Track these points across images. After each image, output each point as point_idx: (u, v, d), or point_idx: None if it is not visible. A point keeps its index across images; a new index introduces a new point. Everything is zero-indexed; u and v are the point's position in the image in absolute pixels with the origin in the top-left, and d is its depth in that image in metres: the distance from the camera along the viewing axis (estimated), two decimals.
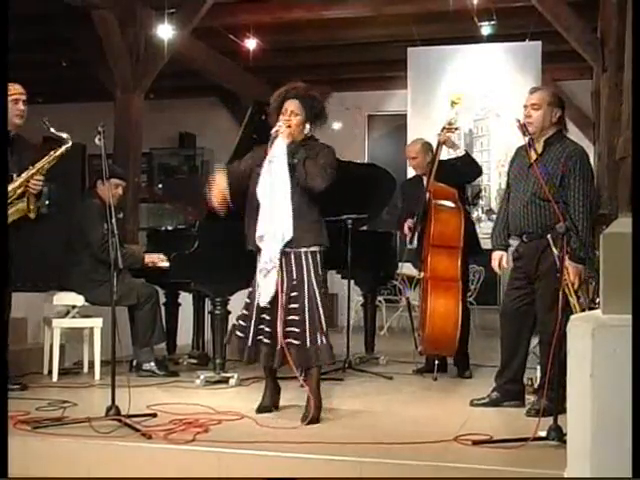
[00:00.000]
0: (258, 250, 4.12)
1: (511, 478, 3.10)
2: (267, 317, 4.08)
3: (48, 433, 3.68)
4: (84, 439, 3.60)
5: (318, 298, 4.05)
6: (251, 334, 4.11)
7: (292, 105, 4.12)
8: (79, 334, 5.68)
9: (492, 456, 3.33)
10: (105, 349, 5.01)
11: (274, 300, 4.04)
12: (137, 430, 3.69)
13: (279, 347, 4.00)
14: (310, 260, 4.06)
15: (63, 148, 4.69)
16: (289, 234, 3.99)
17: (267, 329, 4.08)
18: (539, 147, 4.22)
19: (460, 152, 5.58)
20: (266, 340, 4.08)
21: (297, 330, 4.00)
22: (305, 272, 4.05)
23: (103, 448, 3.55)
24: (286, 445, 3.46)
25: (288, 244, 4.01)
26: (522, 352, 4.38)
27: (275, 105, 4.19)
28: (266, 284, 4.04)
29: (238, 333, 4.17)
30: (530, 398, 4.42)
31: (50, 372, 5.31)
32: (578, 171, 4.14)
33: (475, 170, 5.74)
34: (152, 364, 5.45)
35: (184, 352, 6.16)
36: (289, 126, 4.07)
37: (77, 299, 5.41)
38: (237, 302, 5.34)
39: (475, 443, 3.51)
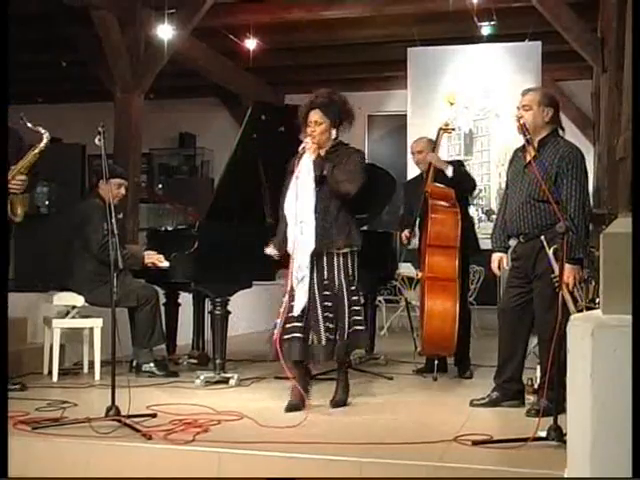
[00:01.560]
0: (287, 256, 4.31)
1: (511, 478, 3.09)
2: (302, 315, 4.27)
3: (48, 433, 3.68)
4: (84, 439, 3.59)
5: (345, 298, 4.32)
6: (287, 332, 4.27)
7: (315, 115, 4.30)
8: (79, 334, 5.68)
9: (492, 456, 3.33)
10: (105, 349, 5.01)
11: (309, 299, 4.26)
12: (137, 430, 3.68)
13: (317, 343, 4.24)
14: (341, 261, 4.34)
15: (42, 144, 4.62)
16: (312, 246, 4.20)
17: (299, 324, 4.25)
18: (530, 152, 4.22)
19: (449, 172, 5.51)
20: (300, 335, 4.24)
21: (331, 326, 4.26)
22: (336, 273, 4.33)
23: (103, 448, 3.54)
24: (286, 445, 3.46)
25: (321, 246, 4.25)
26: (520, 350, 4.38)
27: (302, 117, 4.35)
28: (299, 292, 4.23)
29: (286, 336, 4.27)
30: (530, 398, 4.42)
31: (50, 372, 5.30)
32: (571, 171, 4.13)
33: (469, 184, 5.72)
34: (151, 365, 5.45)
35: (184, 352, 6.16)
36: (313, 137, 4.25)
37: (77, 299, 5.40)
38: (237, 302, 5.35)
39: (475, 443, 3.50)
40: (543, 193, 4.07)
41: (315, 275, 4.29)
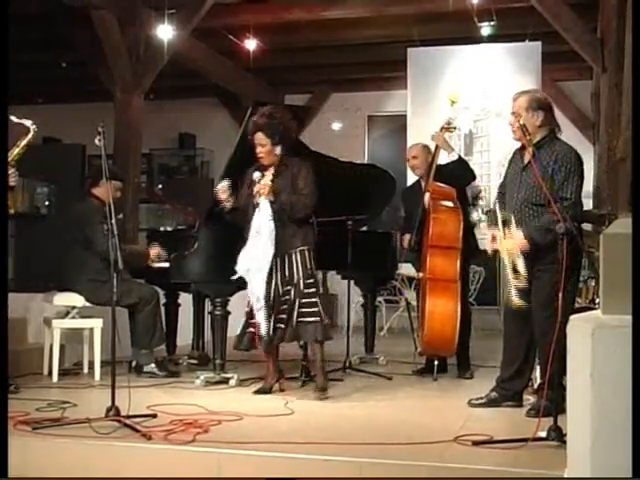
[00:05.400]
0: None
1: (511, 478, 3.10)
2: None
3: (48, 434, 3.68)
4: (84, 440, 3.60)
5: (301, 290, 4.72)
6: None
7: (257, 138, 4.78)
8: (79, 335, 5.68)
9: (492, 456, 3.33)
10: (105, 350, 5.01)
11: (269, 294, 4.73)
12: (137, 431, 3.68)
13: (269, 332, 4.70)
14: (299, 257, 4.75)
15: (30, 136, 4.62)
16: (262, 285, 4.69)
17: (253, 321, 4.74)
18: (529, 152, 4.21)
19: (453, 156, 5.57)
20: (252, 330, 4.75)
21: (284, 316, 4.70)
22: (295, 269, 4.74)
23: (103, 448, 3.54)
24: (286, 445, 3.46)
25: (280, 248, 4.68)
26: (522, 351, 4.36)
27: (250, 135, 4.82)
28: (259, 317, 4.70)
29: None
30: (530, 398, 4.42)
31: (50, 373, 5.31)
32: (565, 173, 4.08)
33: (468, 174, 5.73)
34: (152, 366, 5.44)
35: (184, 352, 6.16)
36: (262, 158, 4.78)
37: (77, 300, 5.40)
38: (237, 302, 5.35)
39: (475, 443, 3.50)
40: (541, 196, 4.07)
41: (277, 274, 4.74)
